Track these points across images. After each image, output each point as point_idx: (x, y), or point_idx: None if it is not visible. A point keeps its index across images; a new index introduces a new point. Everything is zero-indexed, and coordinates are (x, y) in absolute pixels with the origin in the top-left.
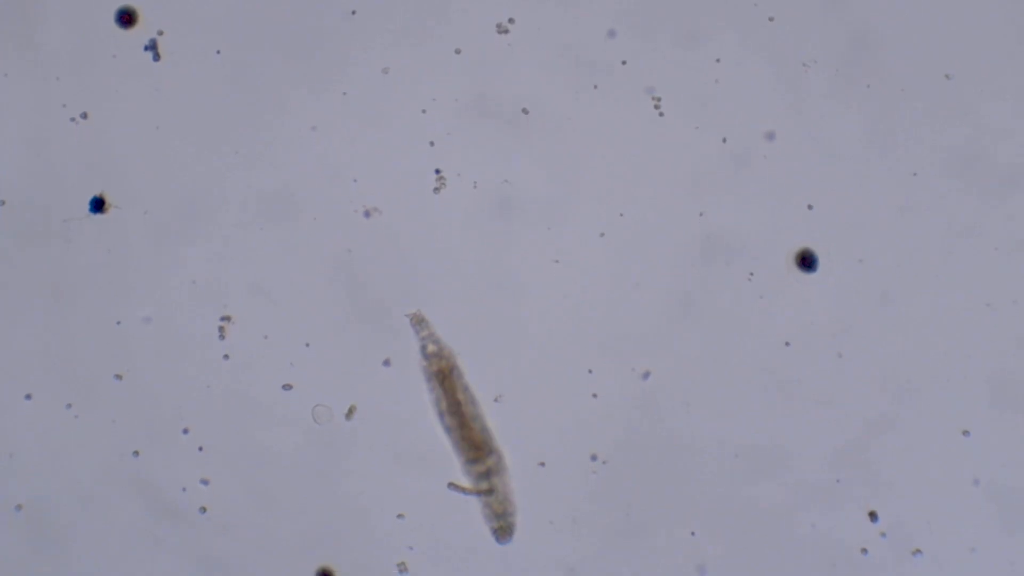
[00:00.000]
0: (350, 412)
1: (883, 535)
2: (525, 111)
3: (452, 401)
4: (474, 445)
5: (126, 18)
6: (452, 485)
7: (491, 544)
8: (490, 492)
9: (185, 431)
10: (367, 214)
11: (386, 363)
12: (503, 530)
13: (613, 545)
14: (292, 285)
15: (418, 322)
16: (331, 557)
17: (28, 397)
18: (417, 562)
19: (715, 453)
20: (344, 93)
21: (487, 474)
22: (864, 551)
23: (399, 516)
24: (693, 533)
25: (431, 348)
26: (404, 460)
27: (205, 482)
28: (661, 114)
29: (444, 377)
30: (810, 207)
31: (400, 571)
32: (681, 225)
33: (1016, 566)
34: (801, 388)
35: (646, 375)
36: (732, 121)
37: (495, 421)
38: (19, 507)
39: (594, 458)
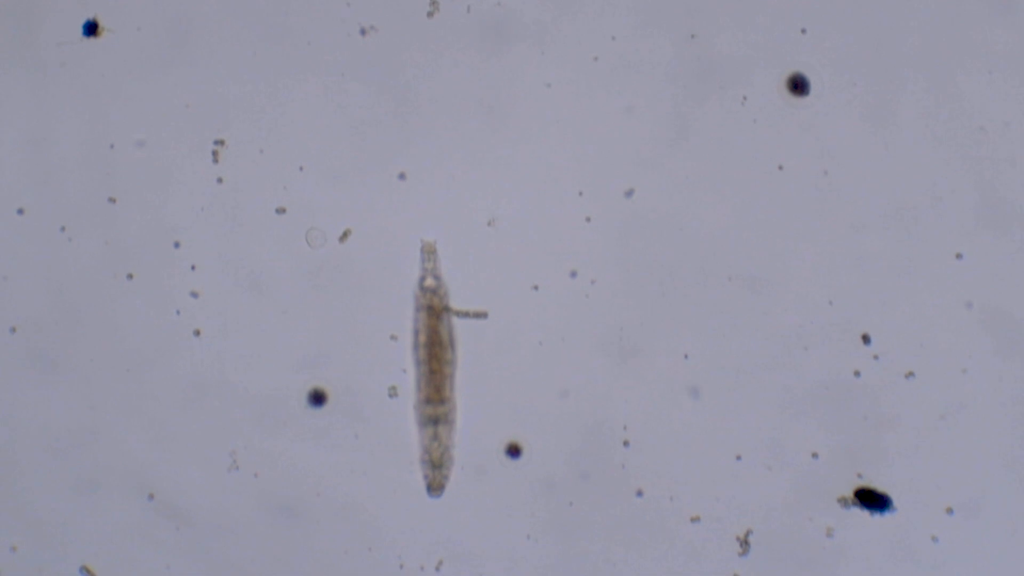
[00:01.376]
0: (344, 236)
1: (876, 358)
2: None
3: (432, 339)
4: (436, 388)
5: None
6: (447, 309)
7: (487, 368)
8: (485, 315)
9: (176, 245)
10: (363, 32)
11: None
12: (436, 483)
13: (605, 368)
14: (285, 107)
15: (429, 252)
16: (324, 378)
17: (20, 212)
18: (409, 386)
19: (708, 276)
20: None
21: (436, 420)
22: (857, 374)
23: (392, 338)
24: (686, 356)
25: (429, 282)
26: (398, 283)
27: (195, 295)
28: None
29: (433, 313)
30: (803, 31)
31: (390, 395)
32: (674, 48)
33: (1006, 385)
34: (794, 211)
35: (630, 192)
36: None
37: (488, 245)
38: (14, 329)
39: (575, 274)
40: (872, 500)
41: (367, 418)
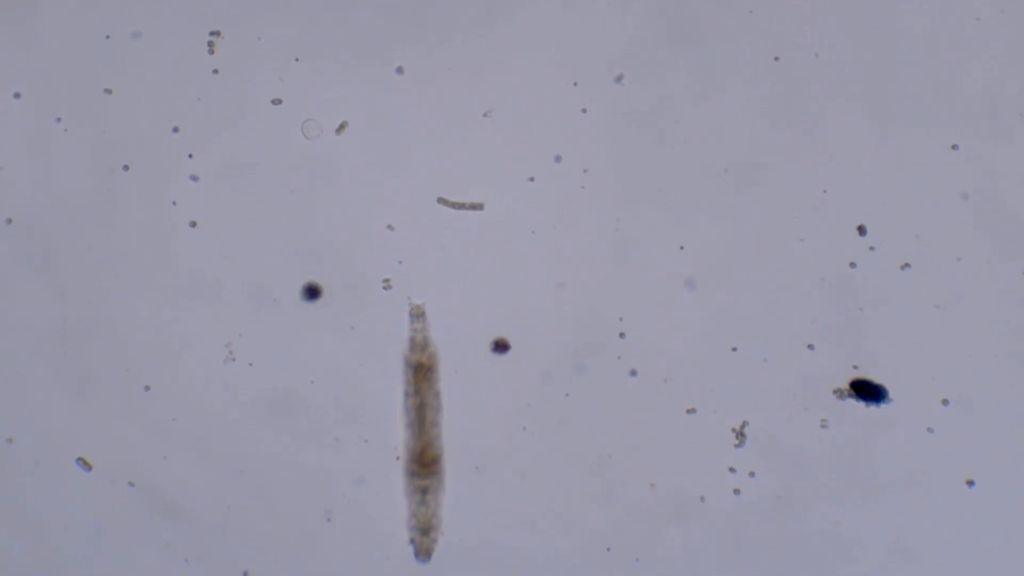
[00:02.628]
0: (341, 128)
1: (871, 249)
2: None
3: (420, 399)
4: (421, 455)
5: None
6: (442, 200)
7: (481, 259)
8: (481, 207)
9: (175, 130)
10: None
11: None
12: (423, 548)
13: (601, 260)
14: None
15: (418, 315)
16: (318, 273)
17: (16, 96)
18: (405, 277)
19: (704, 167)
20: None
21: (424, 491)
22: (853, 265)
23: (389, 227)
24: (682, 247)
25: (419, 339)
26: (394, 173)
27: (195, 178)
28: None
29: (422, 371)
30: None
31: (384, 287)
32: None
33: (1001, 276)
34: (789, 103)
35: (620, 78)
36: None
37: (484, 138)
38: (9, 221)
39: (562, 160)
40: (868, 392)
41: (361, 311)
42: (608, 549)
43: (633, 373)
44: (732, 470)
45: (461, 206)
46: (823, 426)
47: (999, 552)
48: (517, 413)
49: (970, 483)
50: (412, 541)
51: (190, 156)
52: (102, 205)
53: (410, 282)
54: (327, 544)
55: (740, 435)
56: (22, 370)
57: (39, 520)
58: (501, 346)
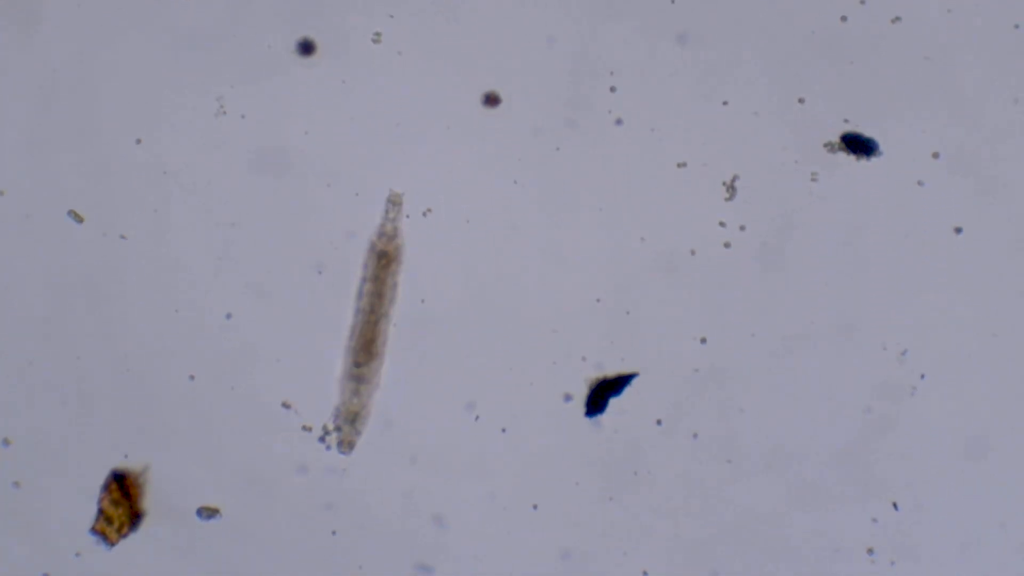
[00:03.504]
0: None
1: (862, 2)
2: None
3: (377, 287)
4: (366, 343)
5: None
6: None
7: (473, 13)
8: None
9: None
10: None
11: None
12: (347, 439)
13: (591, 13)
14: None
15: (396, 203)
16: (312, 28)
17: None
18: (397, 31)
19: None
20: None
21: (359, 378)
22: (844, 19)
23: None
24: (673, 0)
25: (389, 228)
26: None
27: None
28: None
29: (383, 260)
30: None
31: (374, 40)
32: None
33: (990, 23)
34: None
35: None
36: None
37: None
38: None
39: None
40: (858, 145)
41: (354, 66)
42: (598, 300)
43: (619, 122)
44: (722, 224)
45: None
46: (813, 179)
47: (984, 295)
48: (508, 167)
49: (958, 230)
50: (338, 429)
51: None
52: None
53: (402, 38)
54: (320, 295)
55: (730, 189)
56: (10, 125)
57: (31, 272)
58: (492, 100)
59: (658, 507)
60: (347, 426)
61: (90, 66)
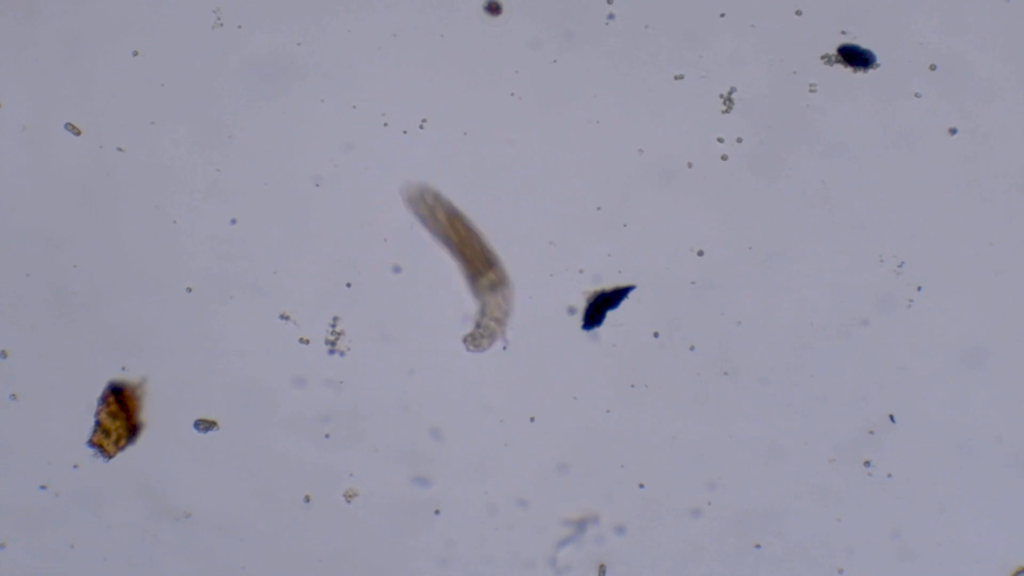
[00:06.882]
0: None
1: None
2: None
3: (446, 225)
4: (476, 259)
5: None
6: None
7: None
8: None
9: None
10: None
11: None
12: (487, 331)
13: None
14: None
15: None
16: None
17: None
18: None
19: None
20: None
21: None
22: None
23: None
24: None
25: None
26: None
27: None
28: None
29: (437, 213)
30: None
31: None
32: None
33: None
34: None
35: None
36: None
37: None
38: None
39: None
40: (855, 57)
41: None
42: (599, 208)
43: (612, 16)
44: (720, 140)
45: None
46: (811, 91)
47: (979, 194)
48: (505, 80)
49: (952, 131)
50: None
51: None
52: None
53: None
54: (317, 208)
55: (728, 101)
56: (7, 31)
57: (27, 184)
58: (494, 8)
59: (655, 420)
60: (489, 324)
61: None
